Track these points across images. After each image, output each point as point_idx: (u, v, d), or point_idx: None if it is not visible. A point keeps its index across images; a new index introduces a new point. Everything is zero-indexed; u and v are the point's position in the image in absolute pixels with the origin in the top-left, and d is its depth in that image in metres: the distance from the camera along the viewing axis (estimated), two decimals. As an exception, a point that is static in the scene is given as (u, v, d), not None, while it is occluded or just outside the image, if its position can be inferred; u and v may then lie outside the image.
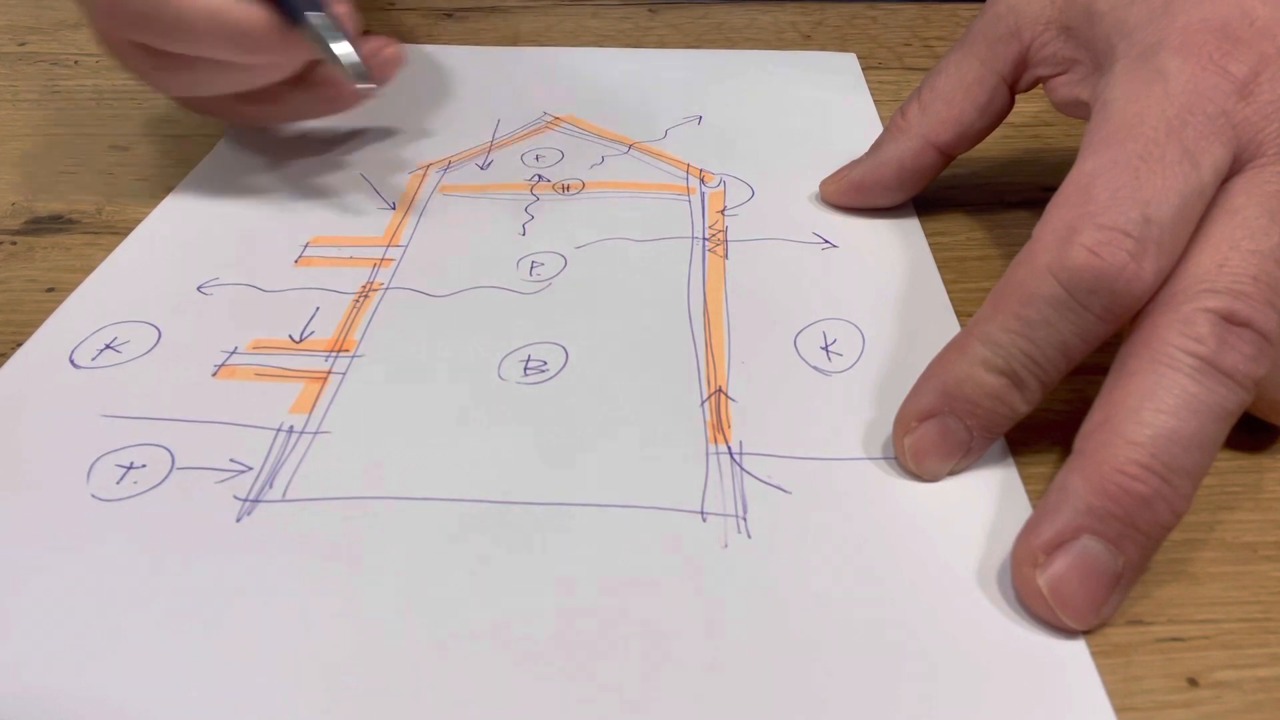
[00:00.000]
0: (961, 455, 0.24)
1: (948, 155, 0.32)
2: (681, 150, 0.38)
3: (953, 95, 0.31)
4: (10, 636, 0.20)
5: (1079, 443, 0.21)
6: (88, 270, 0.31)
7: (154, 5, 0.30)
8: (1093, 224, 0.22)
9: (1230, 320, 0.21)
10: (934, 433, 0.23)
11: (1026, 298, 0.22)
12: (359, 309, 0.29)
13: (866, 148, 0.34)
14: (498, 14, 0.50)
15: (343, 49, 0.30)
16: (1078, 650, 0.20)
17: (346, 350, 0.28)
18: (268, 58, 0.31)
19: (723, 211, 0.34)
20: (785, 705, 0.19)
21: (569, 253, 0.32)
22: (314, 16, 0.30)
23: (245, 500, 0.23)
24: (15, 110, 0.41)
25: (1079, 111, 0.28)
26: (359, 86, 0.30)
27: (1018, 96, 0.31)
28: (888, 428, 0.25)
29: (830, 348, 0.28)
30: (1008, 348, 0.22)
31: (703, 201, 0.34)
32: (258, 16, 0.30)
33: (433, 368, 0.27)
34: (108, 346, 0.28)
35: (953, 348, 0.24)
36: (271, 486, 0.23)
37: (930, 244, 0.32)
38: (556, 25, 0.49)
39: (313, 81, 0.34)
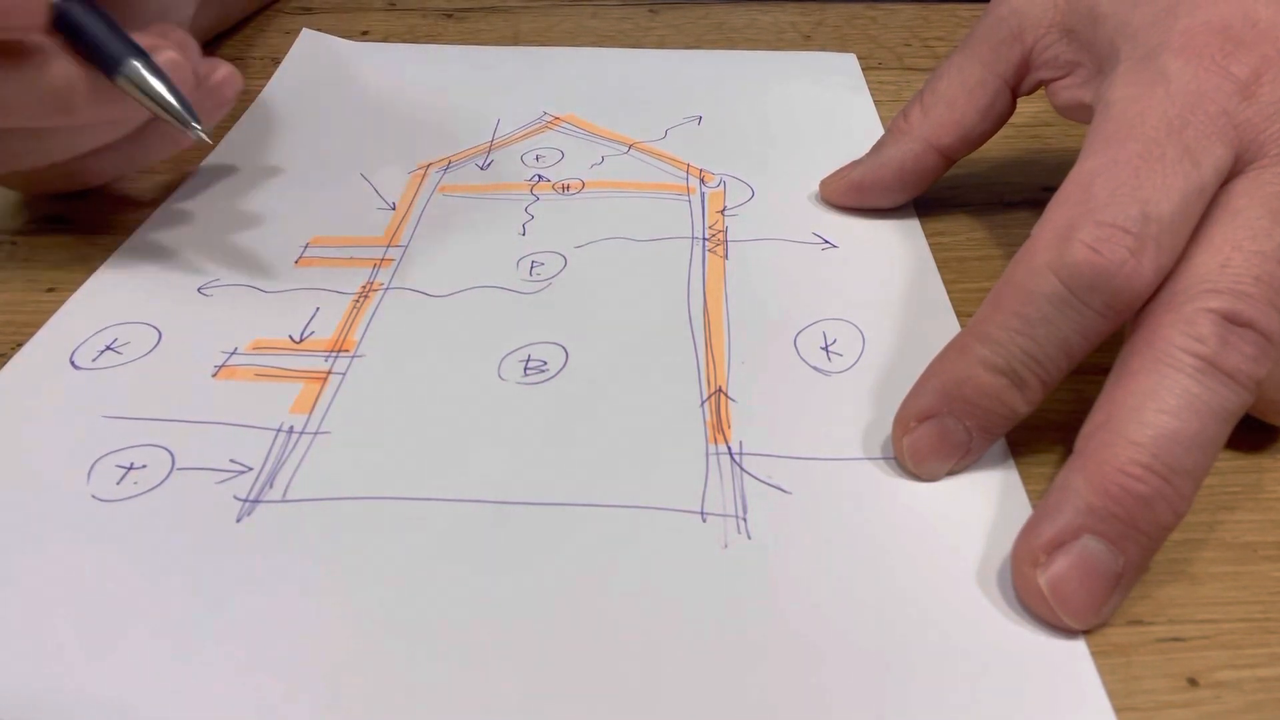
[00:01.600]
0: (961, 456, 0.24)
1: (949, 158, 0.32)
2: (681, 150, 0.38)
3: (954, 98, 0.31)
4: (10, 636, 0.20)
5: (1080, 442, 0.21)
6: (88, 270, 0.31)
7: None
8: (1092, 221, 0.22)
9: (1232, 320, 0.21)
10: (933, 433, 0.23)
11: (1027, 296, 0.22)
12: (359, 309, 0.29)
13: (866, 148, 0.34)
14: (498, 14, 0.50)
15: (162, 96, 0.27)
16: (1078, 650, 0.20)
17: (346, 350, 0.28)
18: (93, 117, 0.28)
19: (723, 211, 0.34)
20: (785, 705, 0.19)
21: (569, 253, 0.32)
22: (127, 67, 0.27)
23: (245, 500, 0.23)
24: (15, 110, 0.41)
25: (1081, 115, 0.28)
26: (190, 133, 0.28)
27: (1019, 98, 0.31)
28: (888, 428, 0.25)
29: (830, 348, 0.28)
30: (1008, 346, 0.22)
31: (703, 201, 0.34)
32: (73, 74, 0.27)
33: (433, 368, 0.27)
34: (108, 347, 0.28)
35: (952, 348, 0.24)
36: (272, 487, 0.23)
37: (930, 244, 0.32)
38: (556, 25, 0.49)
39: (142, 131, 0.31)
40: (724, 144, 0.38)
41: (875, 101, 0.41)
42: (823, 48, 0.47)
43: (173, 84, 0.28)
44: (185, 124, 0.28)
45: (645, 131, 0.39)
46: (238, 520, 0.23)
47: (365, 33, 0.48)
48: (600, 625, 0.20)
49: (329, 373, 0.27)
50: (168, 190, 0.35)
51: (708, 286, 0.30)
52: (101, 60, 0.27)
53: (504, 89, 0.42)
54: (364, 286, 0.30)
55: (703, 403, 0.26)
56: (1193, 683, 0.20)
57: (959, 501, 0.23)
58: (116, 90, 0.27)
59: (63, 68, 0.26)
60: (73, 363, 0.27)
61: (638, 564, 0.22)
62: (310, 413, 0.26)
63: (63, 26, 0.27)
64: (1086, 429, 0.22)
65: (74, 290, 0.30)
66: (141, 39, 0.28)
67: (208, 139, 0.28)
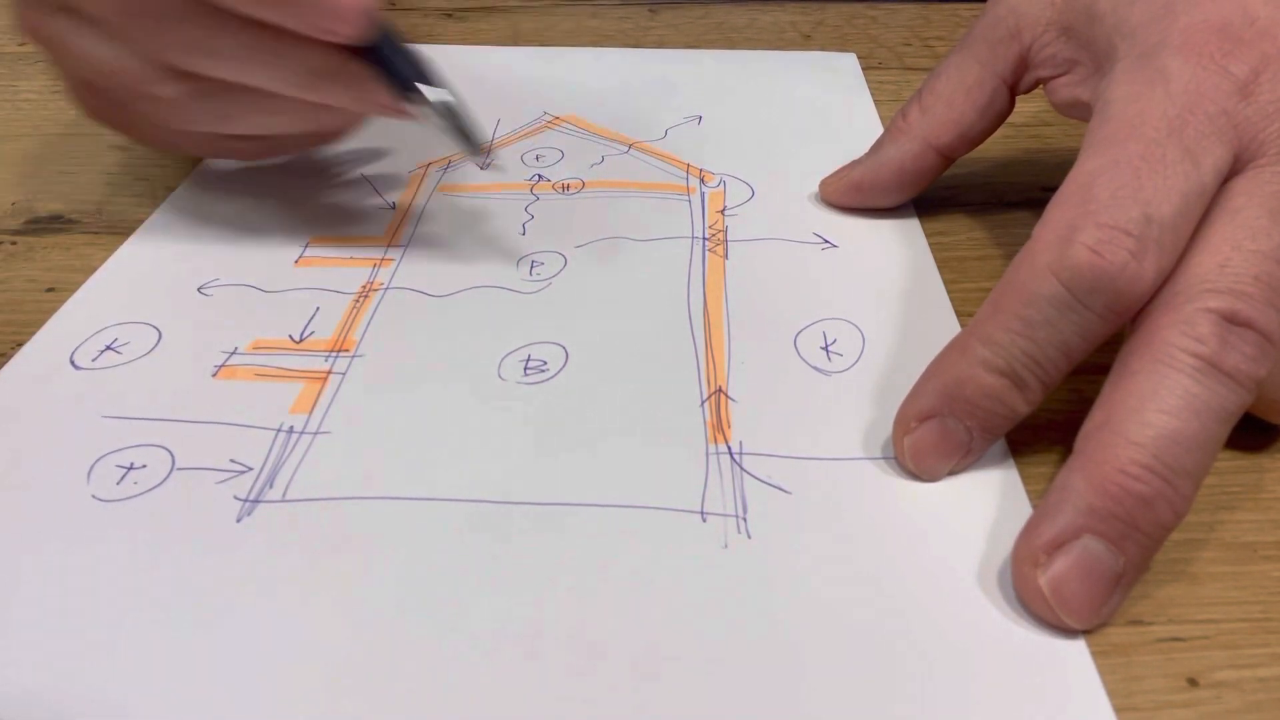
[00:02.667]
0: (961, 456, 0.24)
1: (948, 157, 0.32)
2: (681, 150, 0.38)
3: (953, 97, 0.31)
4: (10, 636, 0.20)
5: (1080, 443, 0.21)
6: (88, 270, 0.31)
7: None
8: (1093, 223, 0.22)
9: (1232, 320, 0.21)
10: (933, 433, 0.23)
11: (1028, 298, 0.22)
12: (359, 309, 0.29)
13: (866, 148, 0.34)
14: (498, 14, 0.50)
15: (467, 128, 0.29)
16: (1078, 650, 0.20)
17: (346, 350, 0.28)
18: (374, 115, 0.29)
19: (723, 211, 0.34)
20: (785, 705, 0.19)
21: (569, 253, 0.32)
22: (436, 93, 0.28)
23: (245, 500, 0.23)
24: (15, 110, 0.41)
25: (1079, 113, 0.28)
26: (482, 165, 0.30)
27: (1018, 97, 0.31)
28: (888, 428, 0.25)
29: (830, 348, 0.28)
30: (1009, 348, 0.22)
31: (703, 201, 0.34)
32: (363, 77, 0.28)
33: (433, 368, 0.27)
34: (108, 347, 0.28)
35: (953, 348, 0.24)
36: (272, 487, 0.23)
37: (930, 244, 0.32)
38: (556, 25, 0.49)
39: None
40: (724, 144, 0.38)
41: (875, 101, 0.41)
42: (823, 48, 0.47)
43: (471, 116, 0.29)
44: (481, 153, 0.30)
45: (645, 131, 0.39)
46: (238, 520, 0.23)
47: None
48: (600, 625, 0.20)
49: (329, 373, 0.27)
50: (168, 190, 0.35)
51: (708, 286, 0.30)
52: (401, 80, 0.28)
53: (504, 89, 0.42)
54: (364, 286, 0.30)
55: (703, 403, 0.26)
56: (1193, 683, 0.20)
57: (959, 501, 0.23)
58: (366, 87, 0.28)
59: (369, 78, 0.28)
60: (73, 363, 0.27)
61: (638, 564, 0.22)
62: (310, 413, 0.26)
63: (376, 52, 0.28)
64: (1086, 429, 0.22)
65: (74, 290, 0.30)
66: None
67: (502, 166, 0.30)
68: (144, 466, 0.24)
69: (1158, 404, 0.21)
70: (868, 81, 0.43)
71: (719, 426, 0.25)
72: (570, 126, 0.39)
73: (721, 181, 0.36)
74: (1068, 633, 0.20)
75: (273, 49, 0.27)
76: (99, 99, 0.30)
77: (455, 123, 0.29)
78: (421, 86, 0.28)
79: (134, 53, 0.28)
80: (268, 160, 0.35)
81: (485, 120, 0.40)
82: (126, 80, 0.28)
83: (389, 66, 0.28)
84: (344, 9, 0.26)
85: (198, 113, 0.29)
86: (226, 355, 0.27)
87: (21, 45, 0.47)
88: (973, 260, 0.32)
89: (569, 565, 0.22)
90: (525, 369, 0.27)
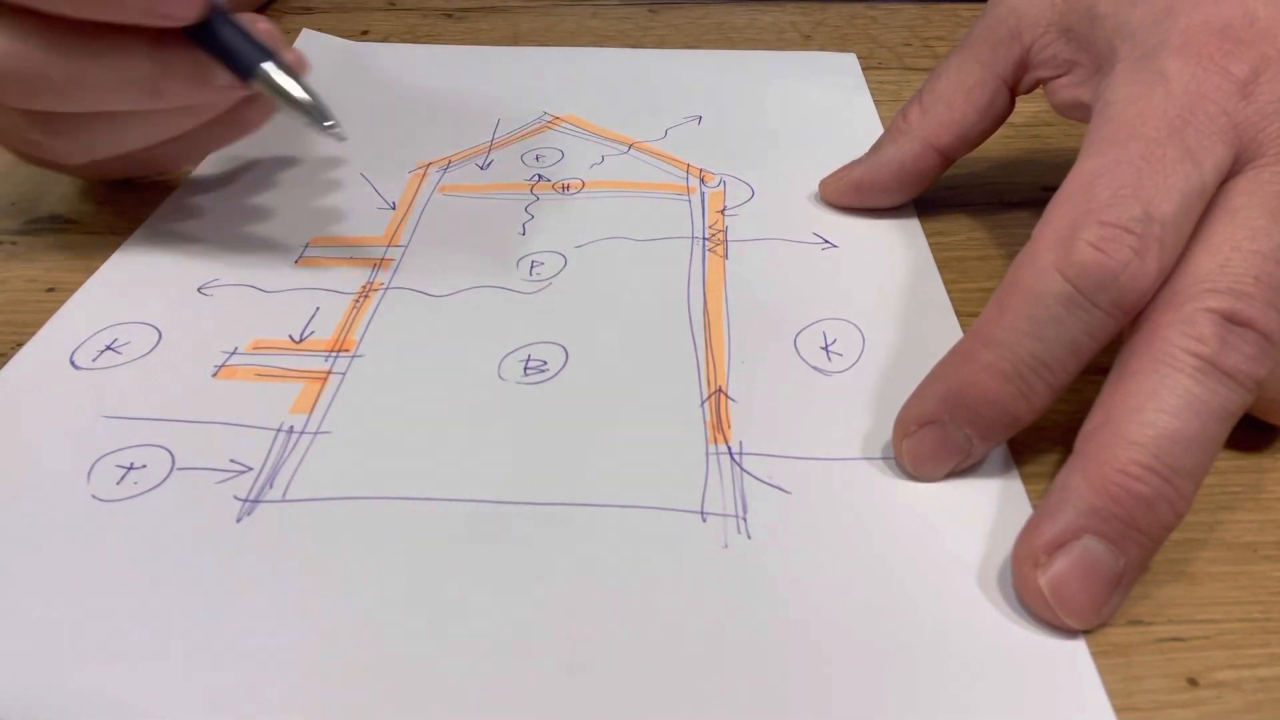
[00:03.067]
0: (960, 460, 0.23)
1: (948, 158, 0.32)
2: (681, 150, 0.38)
3: (953, 98, 0.31)
4: (10, 636, 0.20)
5: (1080, 443, 0.21)
6: (88, 270, 0.31)
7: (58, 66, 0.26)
8: (1095, 221, 0.22)
9: (1232, 320, 0.21)
10: (933, 438, 0.23)
11: (1035, 298, 0.22)
12: (359, 309, 0.29)
13: (866, 148, 0.34)
14: (498, 14, 0.50)
15: (303, 95, 0.28)
16: (1078, 650, 0.20)
17: (346, 350, 0.28)
18: (183, 101, 0.28)
19: (723, 211, 0.34)
20: (785, 705, 0.19)
21: (569, 253, 0.32)
22: (261, 69, 0.27)
23: (245, 500, 0.23)
24: (15, 110, 0.41)
25: (1079, 114, 0.28)
26: (328, 131, 0.28)
27: (1018, 98, 0.31)
28: (888, 428, 0.25)
29: (830, 348, 0.28)
30: (1015, 350, 0.22)
31: (703, 201, 0.34)
32: (201, 64, 0.27)
33: (433, 368, 0.27)
34: (108, 347, 0.28)
35: (957, 353, 0.24)
36: (272, 487, 0.23)
37: (930, 244, 0.32)
38: (556, 25, 0.49)
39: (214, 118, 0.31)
40: (724, 144, 0.38)
41: (875, 101, 0.41)
42: (823, 48, 0.47)
43: (306, 83, 0.28)
44: (324, 118, 0.28)
45: (645, 131, 0.39)
46: (238, 520, 0.23)
47: (365, 33, 0.48)
48: (600, 625, 0.20)
49: (329, 373, 0.27)
50: (168, 190, 0.35)
51: (708, 286, 0.30)
52: (236, 61, 0.27)
53: (504, 89, 0.42)
54: (364, 286, 0.30)
55: (703, 403, 0.26)
56: (1193, 683, 0.20)
57: (959, 502, 0.23)
58: (206, 75, 0.27)
59: (194, 58, 0.27)
60: (73, 363, 0.27)
61: (638, 564, 0.22)
62: (310, 413, 0.26)
63: (195, 29, 0.27)
64: (1086, 429, 0.22)
65: (74, 290, 0.30)
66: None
67: (344, 136, 0.28)
68: (144, 466, 0.24)
69: (1158, 404, 0.21)
70: (868, 81, 0.43)
71: (719, 426, 0.25)
72: (570, 126, 0.39)
73: (721, 181, 0.36)
74: (1068, 633, 0.20)
75: (106, 65, 0.26)
76: None
77: (291, 89, 0.27)
78: (266, 65, 0.27)
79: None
80: (156, 173, 0.35)
81: (485, 120, 0.40)
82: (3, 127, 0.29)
83: (225, 47, 0.27)
84: None
85: (60, 147, 0.29)
86: (226, 355, 0.27)
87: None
88: (973, 260, 0.32)
89: (569, 565, 0.22)
90: (525, 369, 0.27)
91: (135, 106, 0.28)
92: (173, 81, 0.27)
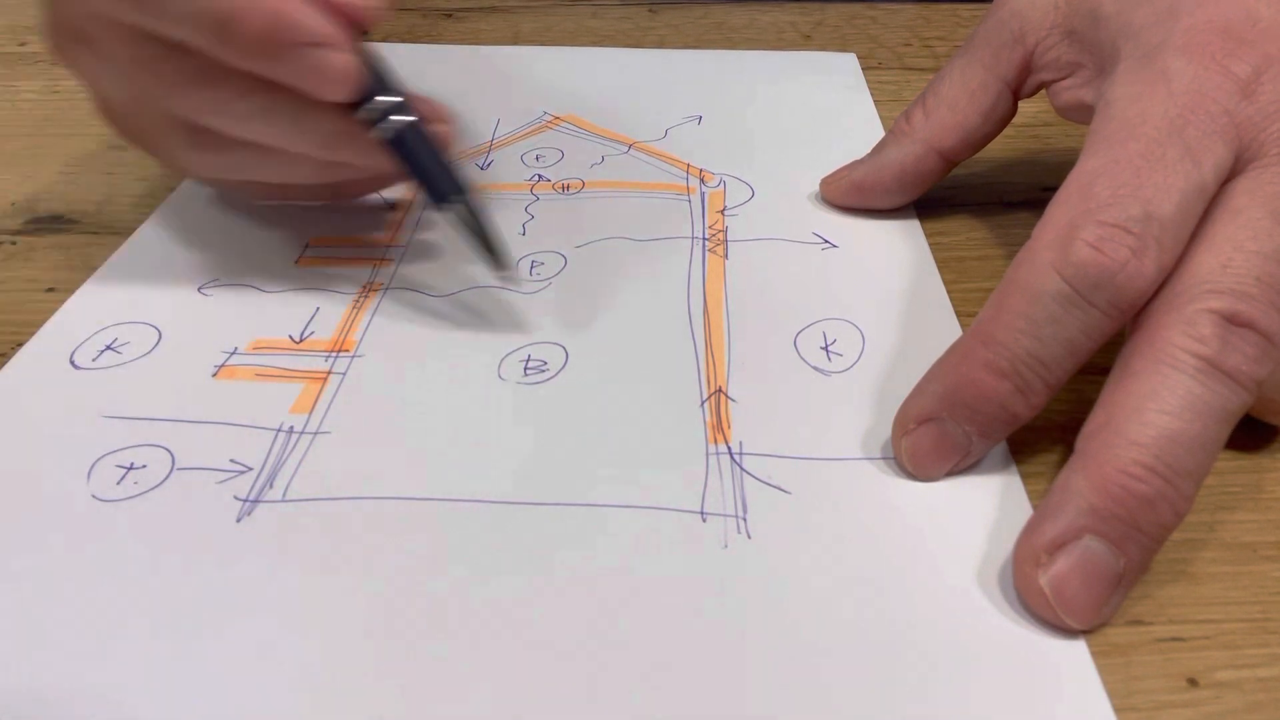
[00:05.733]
0: (960, 459, 0.23)
1: (950, 161, 0.32)
2: (681, 150, 0.38)
3: (956, 101, 0.31)
4: (10, 636, 0.20)
5: (1081, 443, 0.21)
6: (88, 270, 0.31)
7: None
8: (1094, 220, 0.22)
9: (1233, 321, 0.21)
10: (932, 436, 0.23)
11: (1033, 296, 0.22)
12: (359, 309, 0.29)
13: (867, 148, 0.34)
14: (498, 14, 0.50)
15: (489, 238, 0.27)
16: (1078, 650, 0.20)
17: (346, 350, 0.28)
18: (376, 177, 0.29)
19: (723, 211, 0.34)
20: (785, 705, 0.19)
21: (569, 253, 0.32)
22: (458, 201, 0.27)
23: (245, 500, 0.23)
24: (15, 110, 0.41)
25: (1082, 115, 0.28)
26: (502, 275, 0.28)
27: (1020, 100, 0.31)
28: (888, 428, 0.25)
29: (830, 348, 0.28)
30: (1012, 348, 0.22)
31: (703, 201, 0.34)
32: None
33: (433, 368, 0.27)
34: (108, 347, 0.28)
35: (955, 351, 0.24)
36: (272, 487, 0.23)
37: (930, 244, 0.32)
38: (556, 25, 0.49)
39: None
40: (724, 144, 0.38)
41: (875, 101, 0.41)
42: (823, 48, 0.47)
43: (494, 224, 0.27)
44: (504, 265, 0.28)
45: (645, 131, 0.39)
46: (238, 520, 0.23)
47: (365, 33, 0.48)
48: (600, 625, 0.20)
49: (329, 373, 0.27)
50: (168, 190, 0.35)
51: (708, 286, 0.30)
52: (431, 185, 0.27)
53: (504, 89, 0.42)
54: (364, 286, 0.30)
55: (703, 403, 0.26)
56: (1193, 683, 0.20)
57: (959, 501, 0.23)
58: (367, 143, 0.27)
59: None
60: (73, 363, 0.27)
61: (638, 564, 0.22)
62: (310, 413, 0.26)
63: (400, 145, 0.27)
64: (1088, 429, 0.22)
65: (74, 290, 0.30)
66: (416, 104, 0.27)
67: (519, 281, 0.29)
68: (144, 466, 0.24)
69: (1159, 404, 0.21)
70: (868, 81, 0.43)
71: (719, 426, 0.25)
72: (570, 126, 0.39)
73: (721, 181, 0.36)
74: (1068, 633, 0.20)
75: (288, 111, 0.26)
76: (120, 124, 0.30)
77: (478, 229, 0.27)
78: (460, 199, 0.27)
79: (146, 99, 0.27)
80: (280, 202, 0.34)
81: (485, 120, 0.40)
82: (141, 119, 0.28)
83: (422, 169, 0.27)
84: (329, 66, 0.25)
85: (209, 162, 0.29)
86: (226, 355, 0.27)
87: (21, 45, 0.47)
88: (973, 260, 0.32)
89: (569, 565, 0.22)
90: (525, 369, 0.27)
91: (293, 148, 0.27)
92: (342, 142, 0.27)
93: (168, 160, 0.31)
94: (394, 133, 0.27)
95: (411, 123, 0.27)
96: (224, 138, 0.27)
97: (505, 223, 0.33)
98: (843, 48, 0.47)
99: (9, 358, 0.27)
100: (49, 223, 0.34)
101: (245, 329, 0.28)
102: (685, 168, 0.36)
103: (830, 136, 0.38)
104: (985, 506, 0.23)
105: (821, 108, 0.41)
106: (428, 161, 0.27)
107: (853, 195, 0.33)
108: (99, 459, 0.24)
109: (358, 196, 0.33)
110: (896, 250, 0.32)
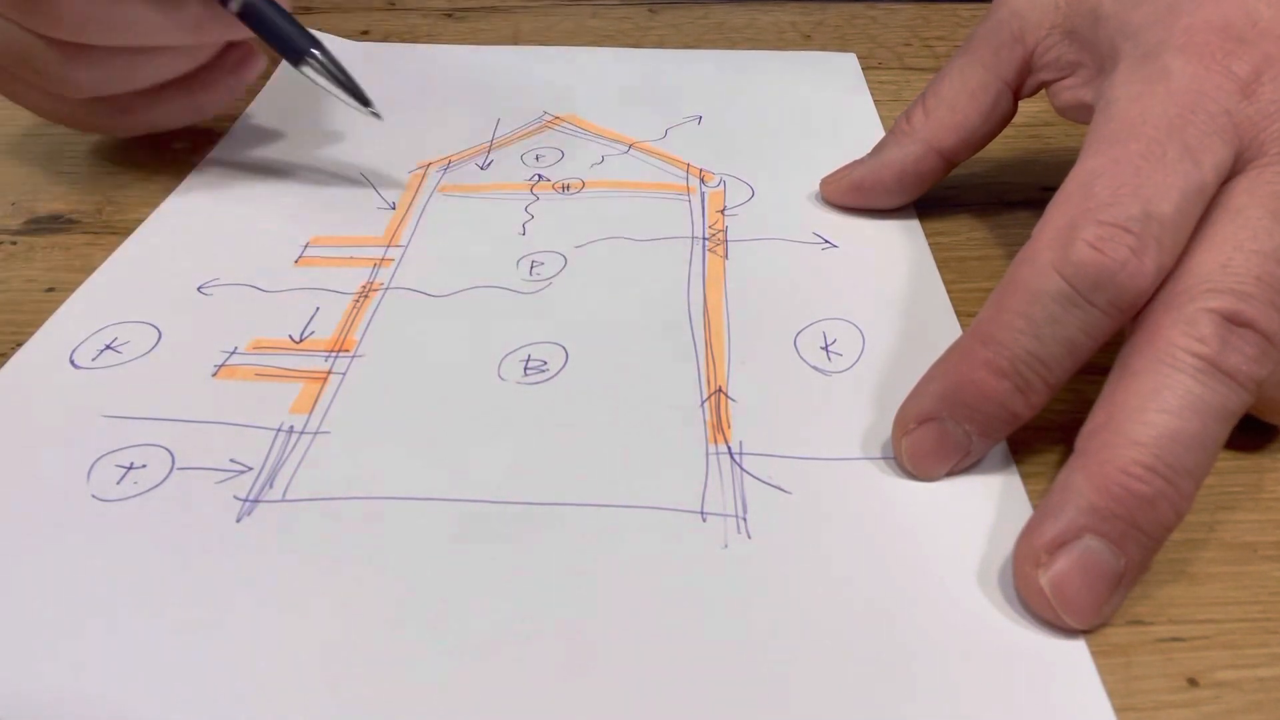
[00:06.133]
0: (960, 458, 0.23)
1: (950, 161, 0.32)
2: (681, 150, 0.38)
3: (956, 101, 0.31)
4: (10, 636, 0.20)
5: (1081, 442, 0.21)
6: (88, 270, 0.31)
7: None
8: (1094, 220, 0.22)
9: (1233, 321, 0.21)
10: (932, 435, 0.23)
11: (1032, 296, 0.22)
12: (359, 309, 0.29)
13: (867, 148, 0.34)
14: (498, 14, 0.50)
15: (346, 82, 0.32)
16: (1078, 650, 0.20)
17: (346, 350, 0.28)
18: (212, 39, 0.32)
19: (723, 211, 0.34)
20: (786, 705, 0.19)
21: (569, 253, 0.32)
22: (312, 57, 0.32)
23: (245, 500, 0.23)
24: (15, 110, 0.41)
25: (1082, 115, 0.28)
26: (367, 111, 0.33)
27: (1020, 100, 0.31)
28: (888, 428, 0.24)
29: (830, 348, 0.28)
30: (1012, 348, 0.22)
31: (703, 201, 0.34)
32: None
33: (433, 368, 0.27)
34: (108, 347, 0.28)
35: (955, 350, 0.24)
36: (271, 487, 0.23)
37: (930, 244, 0.32)
38: (556, 25, 0.49)
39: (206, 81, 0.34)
40: (724, 144, 0.38)
41: (875, 101, 0.41)
42: (823, 48, 0.47)
43: (347, 71, 0.32)
44: (364, 104, 0.33)
45: (645, 131, 0.39)
46: (238, 520, 0.23)
47: (365, 33, 0.48)
48: (600, 625, 0.20)
49: (329, 373, 0.27)
50: (168, 190, 0.35)
51: (708, 286, 0.30)
52: (285, 45, 0.32)
53: (504, 89, 0.42)
54: (364, 286, 0.30)
55: (703, 403, 0.26)
56: (1193, 683, 0.20)
57: (959, 501, 0.23)
58: (229, 18, 0.31)
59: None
60: (73, 362, 0.27)
61: (638, 564, 0.22)
62: (310, 413, 0.26)
63: (250, 17, 0.31)
64: (1088, 429, 0.22)
65: (74, 290, 0.30)
66: None
67: (381, 115, 0.33)
68: (144, 466, 0.24)
69: (1159, 404, 0.21)
70: (868, 81, 0.43)
71: (719, 426, 0.25)
72: (570, 126, 0.39)
73: (721, 181, 0.36)
74: (1068, 632, 0.20)
75: (158, 8, 0.29)
76: None
77: (335, 78, 0.32)
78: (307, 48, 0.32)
79: (21, 29, 0.29)
80: (150, 131, 0.36)
81: (485, 120, 0.40)
82: (12, 52, 0.30)
83: (274, 31, 0.32)
84: None
85: (87, 79, 0.31)
86: (226, 355, 0.27)
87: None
88: (973, 260, 0.32)
89: (569, 565, 0.22)
90: (525, 369, 0.27)
91: (174, 43, 0.31)
92: (211, 30, 0.31)
93: (40, 95, 0.32)
94: (243, 4, 0.31)
95: None
96: (99, 49, 0.30)
97: (505, 223, 0.33)
98: (843, 48, 0.47)
99: (9, 358, 0.27)
100: (49, 223, 0.34)
101: (245, 329, 0.28)
102: (685, 167, 0.36)
103: (830, 136, 0.38)
104: (985, 506, 0.23)
105: (821, 108, 0.41)
106: (279, 24, 0.32)
107: (853, 195, 0.33)
108: (99, 459, 0.24)
109: (218, 102, 0.35)
110: (896, 250, 0.32)
